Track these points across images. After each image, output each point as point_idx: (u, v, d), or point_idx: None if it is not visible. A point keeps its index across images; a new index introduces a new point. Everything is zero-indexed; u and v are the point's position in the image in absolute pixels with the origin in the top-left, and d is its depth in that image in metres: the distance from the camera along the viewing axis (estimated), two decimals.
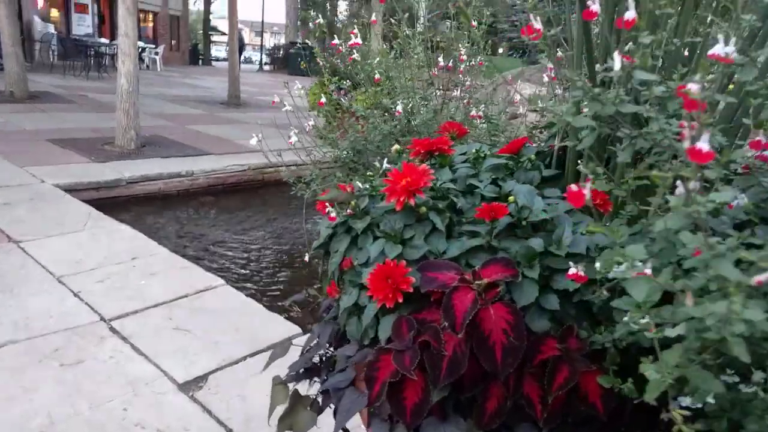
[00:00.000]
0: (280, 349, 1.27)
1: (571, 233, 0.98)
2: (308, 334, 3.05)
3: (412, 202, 1.04)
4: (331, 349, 1.27)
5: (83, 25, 20.28)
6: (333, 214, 1.17)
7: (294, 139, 1.96)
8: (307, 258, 1.36)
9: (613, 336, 0.90)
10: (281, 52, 30.62)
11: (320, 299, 1.31)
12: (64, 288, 3.36)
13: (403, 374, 0.92)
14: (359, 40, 2.07)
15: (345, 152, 2.16)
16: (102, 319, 3.05)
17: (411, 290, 0.98)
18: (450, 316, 0.89)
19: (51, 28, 17.47)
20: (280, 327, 3.14)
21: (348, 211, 1.16)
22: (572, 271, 0.89)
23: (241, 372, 2.72)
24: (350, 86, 2.59)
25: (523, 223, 1.04)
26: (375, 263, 1.05)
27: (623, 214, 0.93)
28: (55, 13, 20.10)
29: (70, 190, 5.27)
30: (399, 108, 2.06)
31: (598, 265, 0.74)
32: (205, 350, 2.85)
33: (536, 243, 0.98)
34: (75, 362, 2.64)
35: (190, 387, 2.54)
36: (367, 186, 1.25)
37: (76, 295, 3.29)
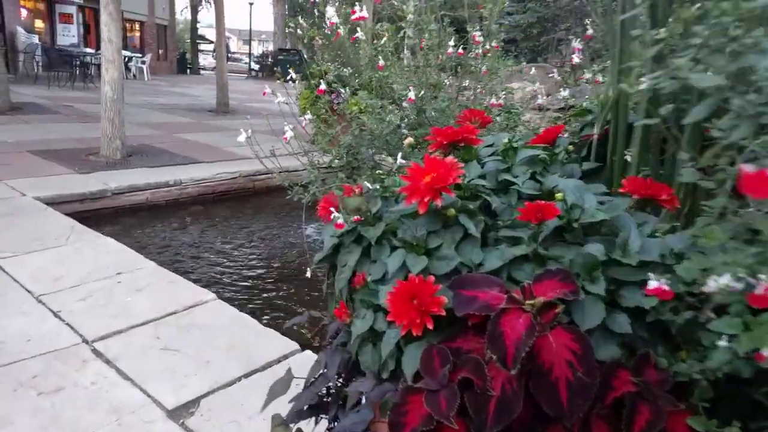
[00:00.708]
0: (280, 384, 1.07)
1: (639, 236, 0.79)
2: (307, 351, 2.80)
3: (438, 202, 0.84)
4: (341, 380, 1.07)
5: (68, 36, 19.99)
6: (340, 221, 0.97)
7: (289, 134, 1.76)
8: (308, 274, 1.16)
9: (704, 365, 0.71)
10: (270, 59, 30.44)
11: (325, 321, 1.11)
12: (43, 308, 3.14)
13: (438, 421, 0.72)
14: (365, 14, 1.87)
15: (345, 150, 1.94)
16: (84, 340, 2.83)
17: (443, 313, 0.78)
18: (499, 347, 0.69)
19: (35, 39, 17.18)
20: (276, 343, 2.93)
21: (355, 216, 0.96)
22: (653, 284, 0.70)
23: (235, 394, 2.51)
24: (351, 73, 2.37)
25: (574, 225, 0.85)
26: (394, 279, 0.85)
27: (708, 211, 0.74)
28: (39, 23, 19.82)
29: (53, 203, 5.04)
30: (411, 95, 1.84)
31: (721, 281, 0.55)
32: (197, 371, 2.64)
33: (596, 249, 0.79)
34: (54, 390, 2.42)
35: (180, 413, 2.33)
36: (378, 186, 1.05)
37: (56, 315, 3.07)
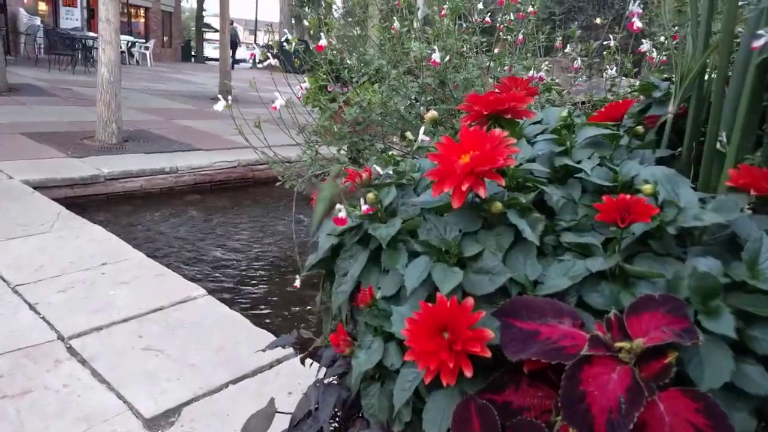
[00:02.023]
0: (258, 419, 0.83)
1: None
2: (298, 356, 2.53)
3: (481, 193, 0.59)
4: (337, 421, 0.82)
5: (71, 19, 19.73)
6: (341, 214, 0.72)
7: (279, 102, 1.49)
8: (297, 283, 0.91)
9: None
10: (275, 50, 30.12)
11: (318, 343, 0.87)
12: (19, 299, 2.90)
13: None
14: None
15: (349, 129, 1.67)
16: (60, 337, 2.60)
17: (487, 354, 0.53)
18: (581, 418, 0.45)
19: (37, 21, 16.96)
20: None
21: (365, 208, 0.71)
22: None
23: (221, 402, 2.27)
24: (359, 35, 2.08)
25: (670, 230, 0.60)
26: (415, 299, 0.60)
27: None
28: (42, 6, 19.58)
29: (41, 187, 4.81)
30: (436, 57, 1.55)
31: None
32: (180, 375, 2.40)
33: (710, 266, 0.54)
34: (21, 392, 2.19)
35: (159, 423, 2.10)
36: (391, 171, 0.80)
37: (32, 307, 2.83)
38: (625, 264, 0.58)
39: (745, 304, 0.53)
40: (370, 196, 0.71)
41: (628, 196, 0.58)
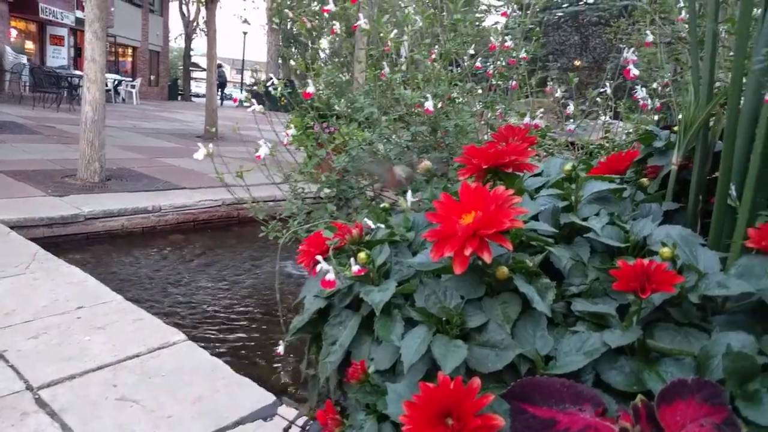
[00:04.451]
0: None
1: None
2: (283, 407, 2.41)
3: (486, 258, 0.54)
4: None
5: (58, 57, 19.82)
6: (330, 276, 0.66)
7: (264, 151, 1.44)
8: (281, 349, 0.83)
9: None
10: (259, 92, 30.49)
11: (303, 412, 0.79)
12: None
13: None
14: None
15: (337, 178, 1.61)
16: (28, 387, 2.46)
17: None
18: None
19: (24, 59, 16.98)
20: (250, 394, 2.57)
21: (356, 269, 0.65)
22: None
23: None
24: (347, 81, 2.06)
25: (692, 298, 0.55)
26: (412, 375, 0.54)
27: None
28: (30, 44, 19.66)
29: (18, 226, 4.69)
30: (429, 105, 1.52)
31: None
32: (155, 428, 2.27)
33: (743, 343, 0.48)
34: None
35: None
36: (383, 226, 0.74)
37: (0, 355, 2.70)
38: (647, 339, 0.53)
39: None
40: (362, 255, 0.65)
41: (647, 262, 0.53)
